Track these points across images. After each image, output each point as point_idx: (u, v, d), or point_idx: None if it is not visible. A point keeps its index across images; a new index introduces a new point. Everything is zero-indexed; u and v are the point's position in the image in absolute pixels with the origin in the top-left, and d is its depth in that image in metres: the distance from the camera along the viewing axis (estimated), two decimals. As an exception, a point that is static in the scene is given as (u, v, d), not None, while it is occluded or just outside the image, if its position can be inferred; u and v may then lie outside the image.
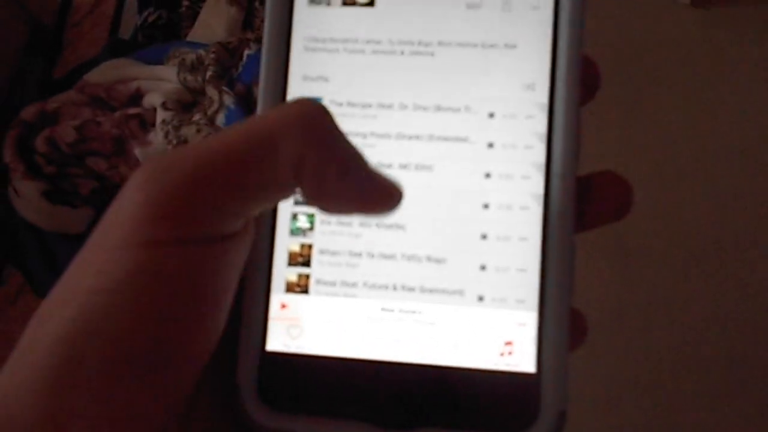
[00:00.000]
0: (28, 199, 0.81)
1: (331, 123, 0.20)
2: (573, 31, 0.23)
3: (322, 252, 0.23)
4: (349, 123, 0.23)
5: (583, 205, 0.23)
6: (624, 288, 0.57)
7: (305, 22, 0.24)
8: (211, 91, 0.75)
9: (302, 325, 0.23)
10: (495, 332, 0.22)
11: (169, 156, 0.19)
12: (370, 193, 0.20)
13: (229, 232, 0.19)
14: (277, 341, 0.23)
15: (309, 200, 0.20)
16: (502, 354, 0.22)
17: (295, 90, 0.24)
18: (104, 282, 0.18)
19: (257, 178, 0.19)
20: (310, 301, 0.23)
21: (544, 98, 0.23)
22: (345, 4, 0.24)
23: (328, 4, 0.24)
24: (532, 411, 0.21)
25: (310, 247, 0.23)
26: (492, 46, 0.23)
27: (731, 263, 0.65)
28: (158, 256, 0.18)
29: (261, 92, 0.23)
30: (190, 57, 0.80)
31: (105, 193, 0.79)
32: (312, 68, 0.24)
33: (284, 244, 0.23)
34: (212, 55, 0.79)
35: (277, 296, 0.23)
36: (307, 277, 0.23)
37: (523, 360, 0.22)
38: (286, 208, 0.23)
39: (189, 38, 0.89)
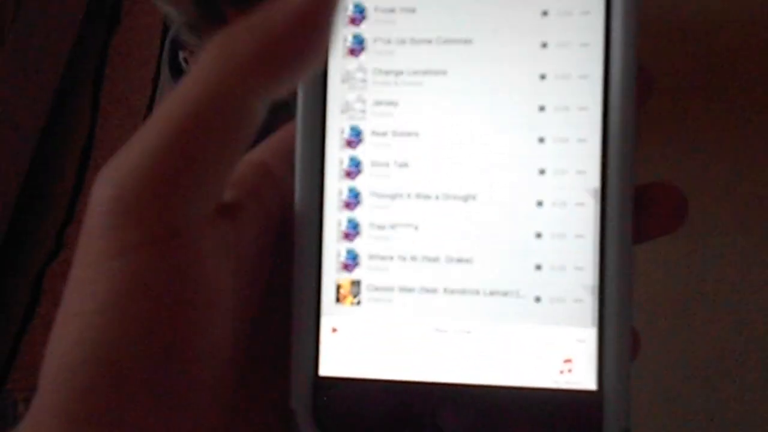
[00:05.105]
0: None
1: (247, 41, 0.18)
2: (627, 31, 0.21)
3: (371, 259, 0.22)
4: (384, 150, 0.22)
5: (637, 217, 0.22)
6: (690, 278, 0.55)
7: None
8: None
9: (354, 347, 0.22)
10: (554, 350, 0.22)
11: (126, 152, 0.18)
12: None
13: (210, 210, 0.19)
14: (330, 365, 0.22)
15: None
16: (561, 372, 0.21)
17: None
18: (90, 304, 0.17)
19: (220, 140, 0.18)
20: (361, 324, 0.22)
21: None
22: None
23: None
24: (594, 430, 0.21)
25: (358, 256, 0.23)
26: (543, 45, 0.22)
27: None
28: (134, 263, 0.17)
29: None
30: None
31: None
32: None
33: (332, 272, 0.23)
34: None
35: (328, 319, 0.22)
36: (358, 296, 0.22)
37: (584, 377, 0.21)
38: (332, 215, 0.23)
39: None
